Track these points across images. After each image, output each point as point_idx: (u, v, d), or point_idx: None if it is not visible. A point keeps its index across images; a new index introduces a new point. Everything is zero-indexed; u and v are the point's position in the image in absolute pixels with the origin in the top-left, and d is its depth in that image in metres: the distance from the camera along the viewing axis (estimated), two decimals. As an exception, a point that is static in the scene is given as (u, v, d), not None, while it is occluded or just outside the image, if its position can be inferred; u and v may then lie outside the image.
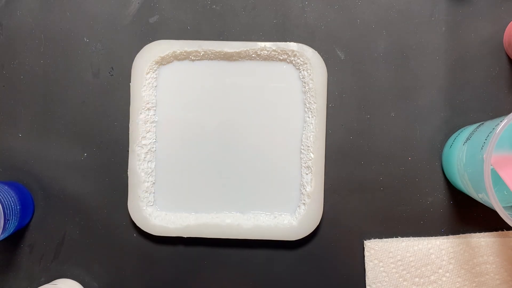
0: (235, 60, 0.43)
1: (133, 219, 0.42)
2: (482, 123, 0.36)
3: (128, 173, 0.42)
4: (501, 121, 0.31)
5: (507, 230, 0.42)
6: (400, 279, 0.42)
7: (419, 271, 0.42)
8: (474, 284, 0.42)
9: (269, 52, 0.42)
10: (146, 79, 0.42)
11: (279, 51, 0.42)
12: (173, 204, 0.43)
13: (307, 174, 0.42)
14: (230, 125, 0.43)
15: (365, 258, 0.43)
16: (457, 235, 0.42)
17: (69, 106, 0.44)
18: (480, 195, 0.33)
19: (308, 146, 0.42)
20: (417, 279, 0.42)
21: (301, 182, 0.42)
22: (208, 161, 0.43)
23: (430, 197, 0.43)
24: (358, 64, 0.43)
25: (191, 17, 0.43)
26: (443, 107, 0.43)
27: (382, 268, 0.42)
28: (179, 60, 0.43)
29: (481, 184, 0.31)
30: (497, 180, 0.33)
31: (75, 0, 0.44)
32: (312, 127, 0.42)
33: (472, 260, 0.42)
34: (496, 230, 0.42)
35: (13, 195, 0.41)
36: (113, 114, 0.44)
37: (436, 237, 0.42)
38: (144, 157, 0.42)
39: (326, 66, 0.42)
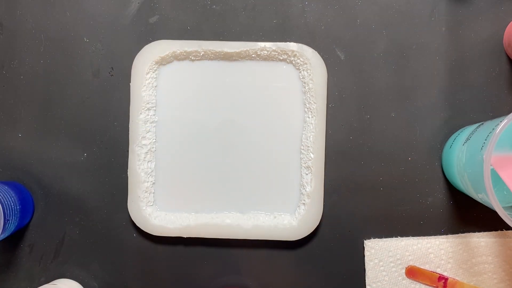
0: (235, 60, 0.43)
1: (133, 219, 0.42)
2: (482, 123, 0.36)
3: (128, 173, 0.42)
4: (501, 121, 0.31)
5: (506, 230, 0.42)
6: (399, 278, 0.42)
7: (419, 271, 0.42)
8: (472, 283, 0.42)
9: (269, 52, 0.42)
10: (146, 79, 0.42)
11: (279, 51, 0.42)
12: (173, 204, 0.43)
13: (307, 174, 0.42)
14: (230, 125, 0.43)
15: (365, 258, 0.43)
16: (456, 235, 0.42)
17: (69, 106, 0.44)
18: (480, 195, 0.33)
19: (308, 146, 0.42)
20: (417, 279, 0.42)
21: (301, 182, 0.42)
22: (208, 161, 0.43)
23: (430, 197, 0.43)
24: (358, 64, 0.43)
25: (191, 17, 0.43)
26: (443, 107, 0.43)
27: (382, 268, 0.42)
28: (179, 60, 0.43)
29: (481, 184, 0.31)
30: (497, 180, 0.33)
31: (75, 0, 0.44)
32: (312, 127, 0.42)
33: (471, 260, 0.42)
34: (496, 230, 0.42)
35: (13, 195, 0.41)
36: (113, 114, 0.44)
37: (435, 237, 0.42)
38: (144, 157, 0.42)
39: (326, 66, 0.42)
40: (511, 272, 0.42)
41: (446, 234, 0.43)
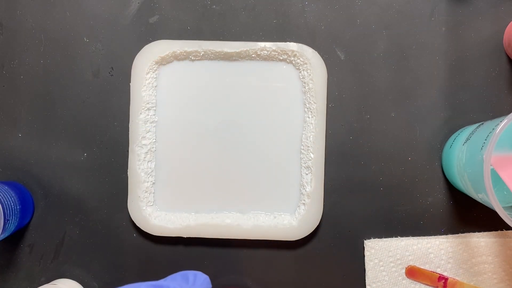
0: (235, 60, 0.43)
1: (133, 219, 0.42)
2: (482, 123, 0.36)
3: (128, 173, 0.42)
4: (501, 121, 0.31)
5: (506, 230, 0.42)
6: (399, 278, 0.42)
7: (419, 271, 0.42)
8: (472, 283, 0.42)
9: (269, 52, 0.42)
10: (146, 79, 0.42)
11: (279, 51, 0.42)
12: (173, 204, 0.43)
13: (307, 174, 0.42)
14: (230, 125, 0.43)
15: (365, 258, 0.43)
16: (456, 235, 0.42)
17: (69, 106, 0.44)
18: (480, 195, 0.33)
19: (308, 146, 0.42)
20: (417, 279, 0.42)
21: (301, 182, 0.42)
22: (208, 161, 0.43)
23: (430, 197, 0.43)
24: (358, 64, 0.43)
25: (191, 17, 0.43)
26: (443, 107, 0.43)
27: (382, 268, 0.42)
28: (179, 60, 0.43)
29: (481, 184, 0.31)
30: (497, 180, 0.33)
31: (75, 0, 0.44)
32: (312, 127, 0.42)
33: (471, 260, 0.42)
34: (496, 230, 0.42)
35: (13, 195, 0.41)
36: (113, 114, 0.44)
37: (435, 237, 0.42)
38: (144, 157, 0.42)
39: (326, 66, 0.42)
40: (511, 272, 0.42)
41: (446, 234, 0.43)
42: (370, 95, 0.43)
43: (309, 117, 0.42)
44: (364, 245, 0.43)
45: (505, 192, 0.34)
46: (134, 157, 0.42)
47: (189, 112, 0.43)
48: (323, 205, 0.42)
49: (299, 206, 0.42)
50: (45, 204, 0.44)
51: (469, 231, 0.43)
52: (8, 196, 0.40)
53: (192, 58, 0.43)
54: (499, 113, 0.42)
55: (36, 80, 0.44)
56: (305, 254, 0.43)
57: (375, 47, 0.43)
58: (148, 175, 0.43)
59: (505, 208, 0.33)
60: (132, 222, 0.43)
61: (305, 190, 0.42)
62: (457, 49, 0.43)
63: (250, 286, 0.44)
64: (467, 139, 0.36)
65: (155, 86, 0.43)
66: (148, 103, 0.42)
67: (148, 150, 0.43)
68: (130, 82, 0.43)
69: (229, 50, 0.42)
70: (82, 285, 0.43)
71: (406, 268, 0.42)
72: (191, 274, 0.33)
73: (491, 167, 0.32)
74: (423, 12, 0.43)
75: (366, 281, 0.43)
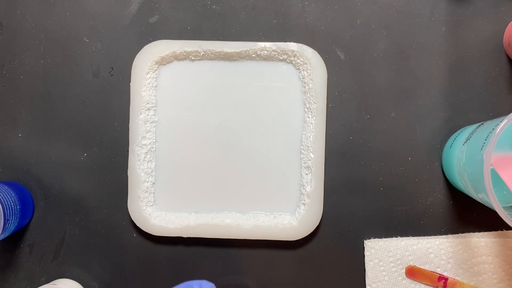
0: (235, 60, 0.43)
1: (133, 219, 0.42)
2: (482, 123, 0.36)
3: (128, 173, 0.42)
4: (501, 121, 0.31)
5: (506, 230, 0.42)
6: (399, 278, 0.42)
7: (419, 271, 0.42)
8: (472, 283, 0.42)
9: (269, 52, 0.42)
10: (146, 79, 0.42)
11: (279, 51, 0.42)
12: (173, 204, 0.43)
13: (307, 174, 0.42)
14: (230, 125, 0.43)
15: (365, 258, 0.43)
16: (456, 235, 0.42)
17: (69, 106, 0.44)
18: (480, 195, 0.33)
19: (308, 146, 0.42)
20: (417, 279, 0.42)
21: (301, 182, 0.42)
22: (208, 161, 0.43)
23: (430, 197, 0.43)
24: (358, 64, 0.43)
25: (191, 17, 0.43)
26: (443, 107, 0.43)
27: (382, 268, 0.42)
28: (179, 60, 0.43)
29: (481, 184, 0.31)
30: (497, 180, 0.33)
31: (75, 0, 0.44)
32: (312, 127, 0.42)
33: (471, 260, 0.42)
34: (496, 230, 0.42)
35: (13, 195, 0.41)
36: (113, 114, 0.44)
37: (435, 237, 0.42)
38: (144, 157, 0.42)
39: (326, 66, 0.42)
40: (511, 272, 0.42)
41: (446, 234, 0.43)
42: (370, 95, 0.43)
43: (309, 117, 0.42)
44: (364, 245, 0.43)
45: (505, 192, 0.34)
46: (134, 157, 0.42)
47: (189, 112, 0.43)
48: (323, 205, 0.42)
49: (299, 206, 0.42)
50: (45, 204, 0.44)
51: (469, 231, 0.43)
52: (8, 196, 0.40)
53: (192, 58, 0.43)
54: (499, 113, 0.42)
55: (36, 80, 0.44)
56: (305, 254, 0.43)
57: (375, 47, 0.43)
58: (148, 175, 0.43)
59: (505, 208, 0.33)
60: (132, 222, 0.43)
61: (305, 190, 0.42)
62: (457, 49, 0.43)
63: (250, 286, 0.44)
64: (467, 139, 0.36)
65: (155, 86, 0.43)
66: (148, 103, 0.42)
67: (148, 150, 0.43)
68: (130, 82, 0.43)
69: (229, 50, 0.42)
70: (82, 285, 0.43)
71: (406, 268, 0.42)
72: (195, 284, 0.33)
73: (491, 167, 0.32)
74: (423, 12, 0.43)
75: (366, 281, 0.43)
